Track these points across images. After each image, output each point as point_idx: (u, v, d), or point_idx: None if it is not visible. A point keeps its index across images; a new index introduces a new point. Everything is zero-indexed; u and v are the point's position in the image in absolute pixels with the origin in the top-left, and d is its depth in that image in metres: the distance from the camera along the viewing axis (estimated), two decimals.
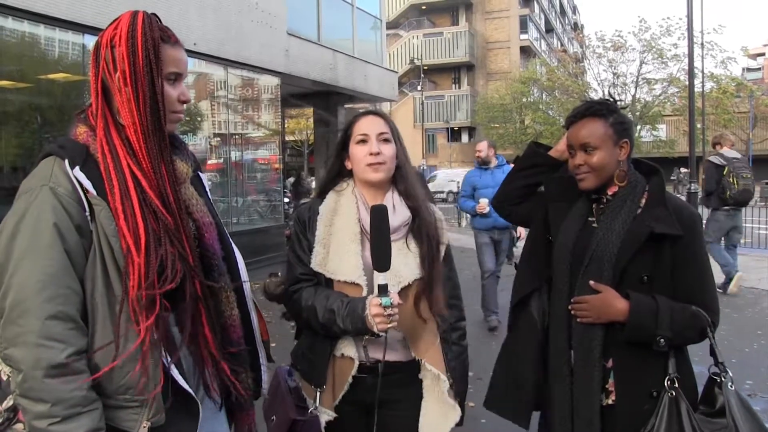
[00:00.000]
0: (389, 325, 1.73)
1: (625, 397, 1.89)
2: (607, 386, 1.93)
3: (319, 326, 1.91)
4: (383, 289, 1.71)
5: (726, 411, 1.79)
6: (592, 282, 1.91)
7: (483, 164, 6.52)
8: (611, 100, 2.06)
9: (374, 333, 1.77)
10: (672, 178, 29.89)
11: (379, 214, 1.74)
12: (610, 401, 1.92)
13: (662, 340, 1.84)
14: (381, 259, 1.72)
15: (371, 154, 1.94)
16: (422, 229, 1.96)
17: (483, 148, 6.57)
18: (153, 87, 1.42)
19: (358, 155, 1.97)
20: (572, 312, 1.95)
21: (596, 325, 1.91)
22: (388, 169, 1.97)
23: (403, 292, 1.88)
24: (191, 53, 9.04)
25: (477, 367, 4.89)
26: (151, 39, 1.42)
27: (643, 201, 1.97)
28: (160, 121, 1.44)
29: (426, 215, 1.99)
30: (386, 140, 1.97)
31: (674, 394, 1.83)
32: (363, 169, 1.97)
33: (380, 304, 1.72)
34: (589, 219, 2.03)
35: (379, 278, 1.73)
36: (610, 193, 2.00)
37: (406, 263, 1.91)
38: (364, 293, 1.87)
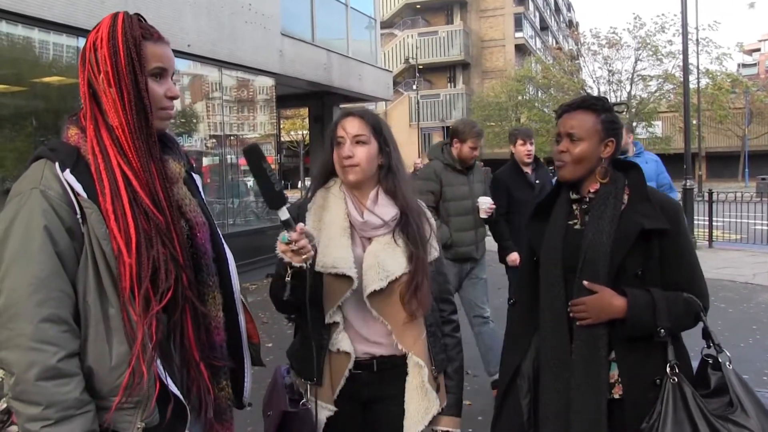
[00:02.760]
0: (303, 257, 1.68)
1: (631, 388, 1.91)
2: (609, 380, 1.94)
3: (277, 301, 1.89)
4: (286, 224, 1.66)
5: (728, 389, 1.82)
6: (586, 282, 1.92)
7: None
8: (607, 99, 2.08)
9: (293, 267, 1.71)
10: None
11: (249, 155, 1.66)
12: (616, 396, 1.93)
13: (662, 330, 1.86)
14: (267, 197, 1.65)
15: (343, 156, 1.97)
16: (410, 226, 1.99)
17: None
18: (137, 85, 1.42)
19: (336, 157, 2.01)
20: (571, 315, 1.95)
21: (599, 325, 1.91)
22: (362, 171, 1.98)
23: (390, 286, 1.92)
24: (185, 55, 9.03)
25: (474, 364, 4.92)
26: (131, 37, 1.42)
27: (626, 197, 1.99)
28: (147, 119, 1.44)
29: (414, 213, 2.02)
30: (361, 142, 1.98)
31: (677, 380, 1.85)
32: (339, 170, 2.01)
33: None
34: (569, 222, 2.05)
35: (280, 215, 1.67)
36: (591, 190, 2.02)
37: (393, 257, 1.94)
38: (355, 285, 1.91)
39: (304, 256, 1.68)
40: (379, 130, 2.02)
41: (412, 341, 1.97)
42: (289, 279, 1.74)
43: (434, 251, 2.06)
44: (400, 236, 1.98)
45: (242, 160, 11.66)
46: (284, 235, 1.66)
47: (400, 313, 1.94)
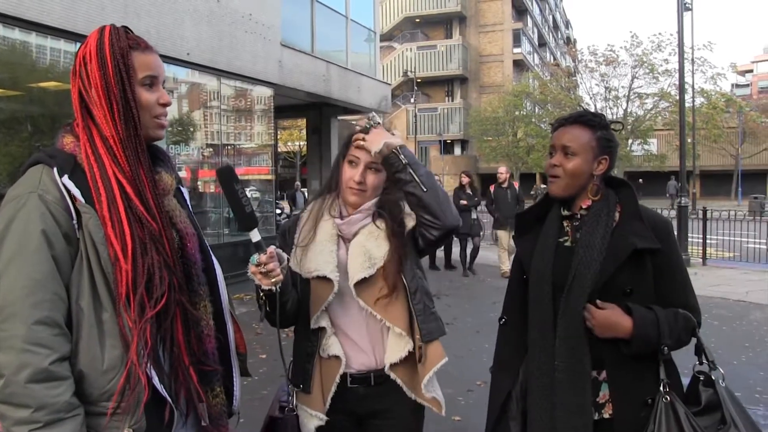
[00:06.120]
0: (272, 280, 1.70)
1: (622, 407, 1.88)
2: (597, 399, 1.91)
3: (262, 315, 1.89)
4: (257, 246, 1.68)
5: (721, 406, 1.81)
6: (599, 302, 1.88)
7: None
8: (605, 116, 2.07)
9: (264, 290, 1.73)
10: (670, 193, 30.24)
11: (222, 176, 1.67)
12: (606, 415, 1.90)
13: (665, 348, 1.85)
14: (239, 218, 1.66)
15: (356, 180, 1.99)
16: (387, 203, 2.02)
17: None
18: (125, 95, 1.45)
19: (345, 175, 2.03)
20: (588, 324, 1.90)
21: (582, 343, 1.89)
22: (367, 197, 2.02)
23: (376, 272, 1.93)
24: (184, 63, 9.05)
25: (470, 378, 4.90)
26: (119, 48, 1.45)
27: (617, 215, 1.97)
28: (136, 128, 1.47)
29: (391, 199, 2.04)
30: (375, 169, 2.01)
31: (669, 399, 1.84)
32: (345, 189, 2.03)
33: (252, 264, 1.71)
34: (560, 240, 2.02)
35: (251, 237, 1.68)
36: (583, 206, 2.00)
37: (378, 244, 1.97)
38: (336, 289, 1.92)
39: (273, 280, 1.69)
40: None
41: (397, 315, 1.95)
42: (262, 301, 1.77)
43: (411, 221, 2.03)
44: (380, 217, 2.01)
45: (241, 170, 11.66)
46: (254, 257, 1.68)
47: (382, 291, 1.93)
